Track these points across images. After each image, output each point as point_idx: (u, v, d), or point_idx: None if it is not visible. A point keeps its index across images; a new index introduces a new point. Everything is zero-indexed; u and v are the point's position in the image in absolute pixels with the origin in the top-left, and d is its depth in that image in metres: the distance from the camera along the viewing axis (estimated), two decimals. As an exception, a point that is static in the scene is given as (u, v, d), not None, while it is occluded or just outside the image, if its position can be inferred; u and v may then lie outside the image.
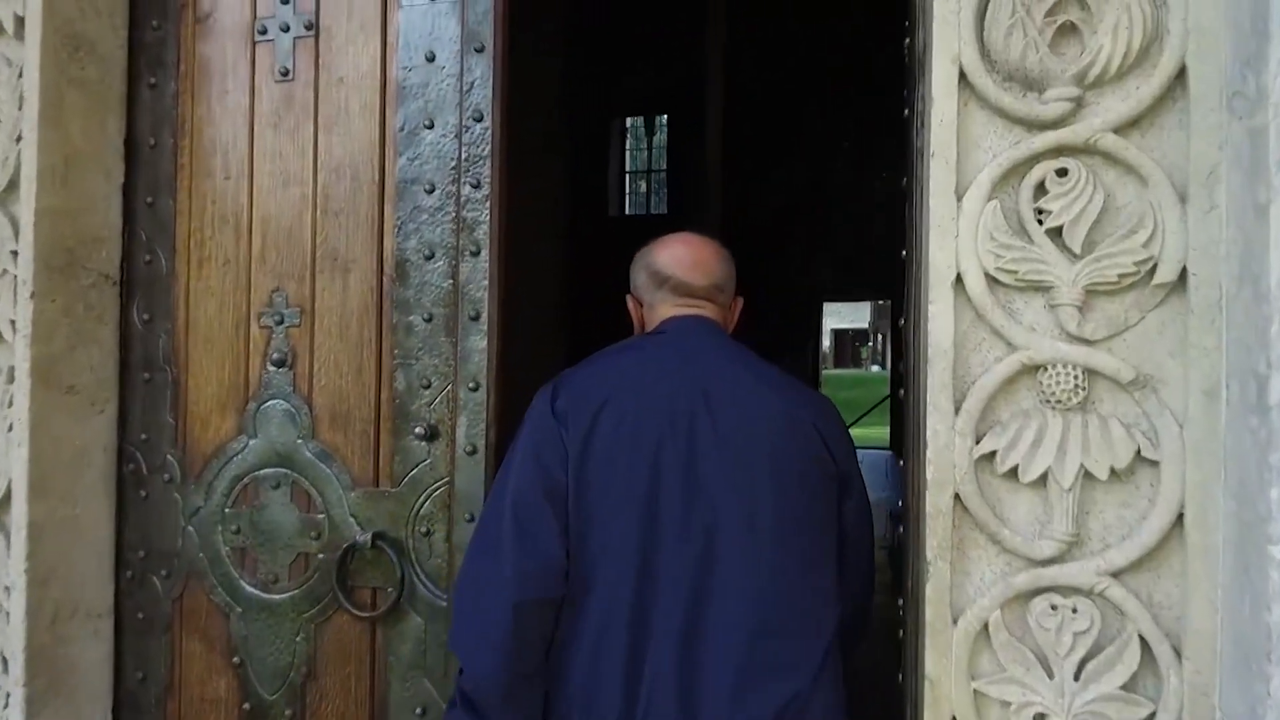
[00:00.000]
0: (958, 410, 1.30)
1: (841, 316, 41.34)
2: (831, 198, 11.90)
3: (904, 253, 1.61)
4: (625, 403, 1.36)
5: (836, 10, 12.12)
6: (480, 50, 1.74)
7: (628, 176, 14.47)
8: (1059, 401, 1.27)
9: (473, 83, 1.74)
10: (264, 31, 1.87)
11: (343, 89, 1.83)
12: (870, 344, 45.80)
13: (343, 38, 1.84)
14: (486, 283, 1.72)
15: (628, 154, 14.54)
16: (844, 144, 8.95)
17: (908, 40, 1.64)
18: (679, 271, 1.51)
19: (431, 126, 1.77)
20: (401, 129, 1.79)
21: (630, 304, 1.59)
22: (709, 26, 10.12)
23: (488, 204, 1.72)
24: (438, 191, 1.76)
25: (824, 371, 18.63)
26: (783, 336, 13.02)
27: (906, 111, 1.59)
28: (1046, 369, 1.28)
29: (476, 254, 1.73)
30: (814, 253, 12.93)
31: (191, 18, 1.92)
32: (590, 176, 13.93)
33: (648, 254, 1.57)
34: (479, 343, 1.72)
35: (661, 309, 1.51)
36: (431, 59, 1.77)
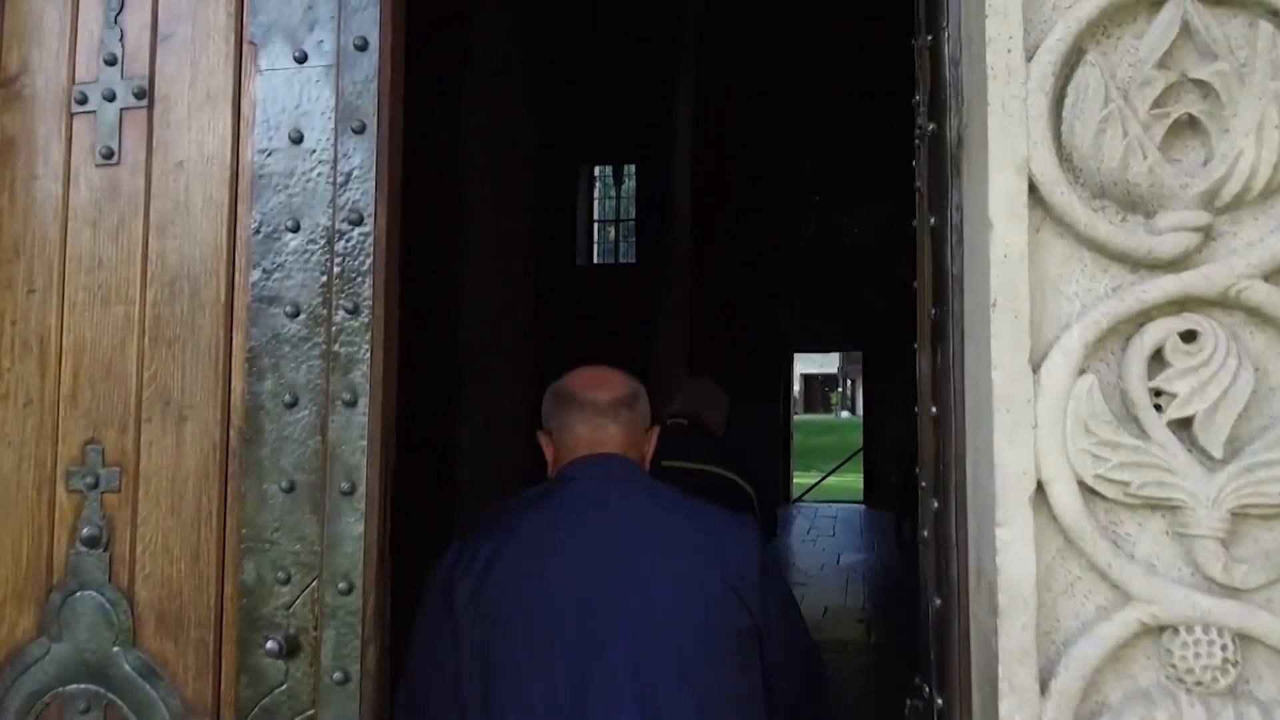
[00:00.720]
0: (1045, 689, 0.85)
1: (811, 361, 41.18)
2: (802, 249, 11.63)
3: (928, 414, 1.18)
4: (525, 572, 1.31)
5: (809, 63, 11.96)
6: (360, 130, 1.29)
7: (596, 225, 14.16)
8: (1198, 682, 0.83)
9: (350, 173, 1.30)
10: (83, 100, 1.42)
11: (182, 177, 1.38)
12: (840, 389, 45.67)
13: (184, 110, 1.39)
14: (365, 443, 1.26)
15: (596, 202, 14.24)
16: (814, 198, 8.62)
17: (919, 109, 1.23)
18: (584, 390, 1.47)
19: (296, 229, 1.32)
20: (257, 232, 1.33)
21: (542, 441, 1.52)
22: (678, 76, 9.84)
23: (368, 335, 1.27)
24: (303, 316, 1.30)
25: (795, 417, 18.25)
26: (753, 386, 12.68)
27: (935, 223, 1.16)
28: (1178, 631, 0.84)
29: (352, 403, 1.27)
30: (783, 303, 12.63)
31: (-7, 80, 1.47)
32: (557, 225, 13.61)
33: (554, 386, 1.52)
34: (353, 525, 1.25)
35: (573, 436, 1.45)
36: (298, 140, 1.33)
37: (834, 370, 43.26)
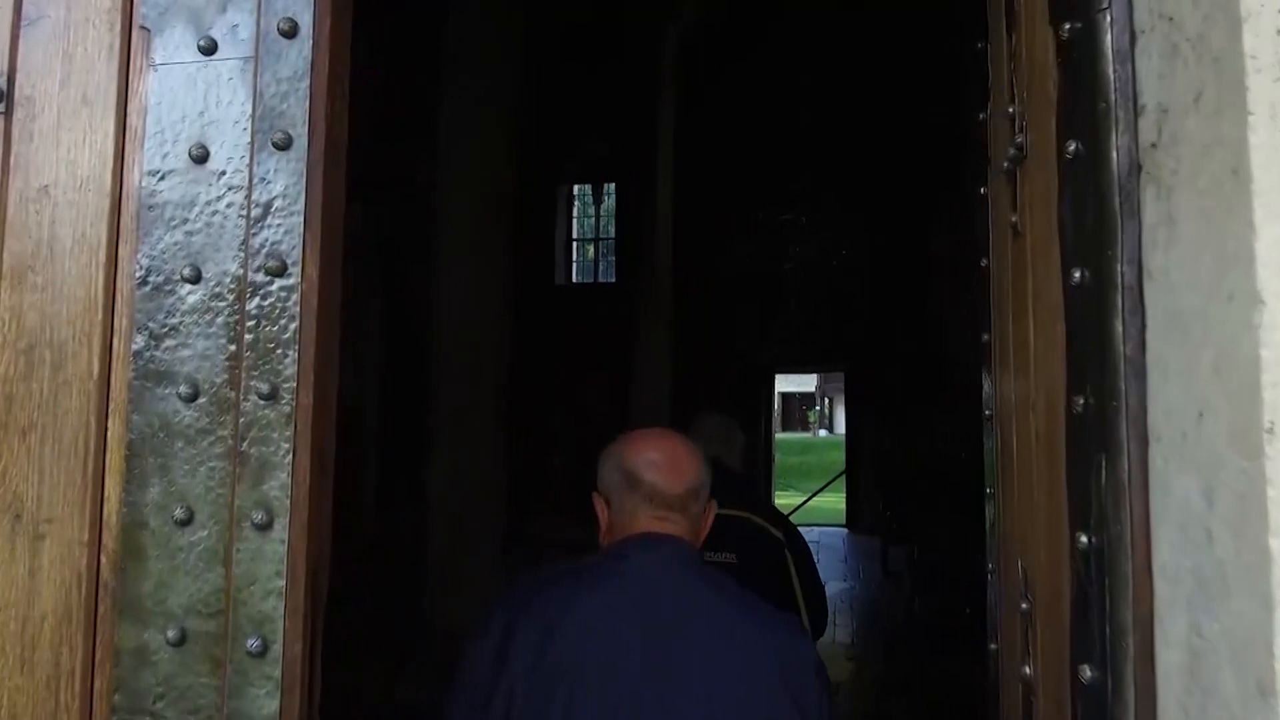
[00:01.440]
0: None
1: (789, 379, 41.08)
2: (783, 271, 11.40)
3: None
4: (583, 661, 1.27)
5: (788, 87, 11.75)
6: (284, 146, 0.95)
7: (575, 244, 13.86)
8: None
9: (269, 203, 0.95)
10: (-86, 103, 1.07)
11: (47, 206, 1.03)
12: (817, 408, 45.53)
13: (52, 117, 1.04)
14: (283, 582, 0.90)
15: (575, 221, 13.95)
16: (801, 220, 8.34)
17: (997, 121, 0.91)
18: (655, 477, 1.40)
19: (196, 280, 0.97)
20: (143, 283, 0.98)
21: (596, 504, 1.47)
22: (660, 93, 9.56)
23: (289, 429, 0.92)
24: (203, 400, 0.95)
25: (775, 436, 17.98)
26: (734, 405, 12.40)
27: (1081, 278, 0.83)
28: None
29: (267, 525, 0.91)
30: (765, 325, 12.39)
31: None
32: (536, 244, 13.29)
33: (620, 454, 1.45)
34: (264, 700, 0.89)
35: (633, 518, 1.41)
36: (201, 158, 0.98)
37: (812, 389, 43.14)
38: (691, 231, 12.31)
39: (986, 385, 1.10)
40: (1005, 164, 0.88)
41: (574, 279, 13.79)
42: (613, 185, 13.45)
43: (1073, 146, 0.85)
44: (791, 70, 12.30)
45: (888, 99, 12.14)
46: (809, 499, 14.16)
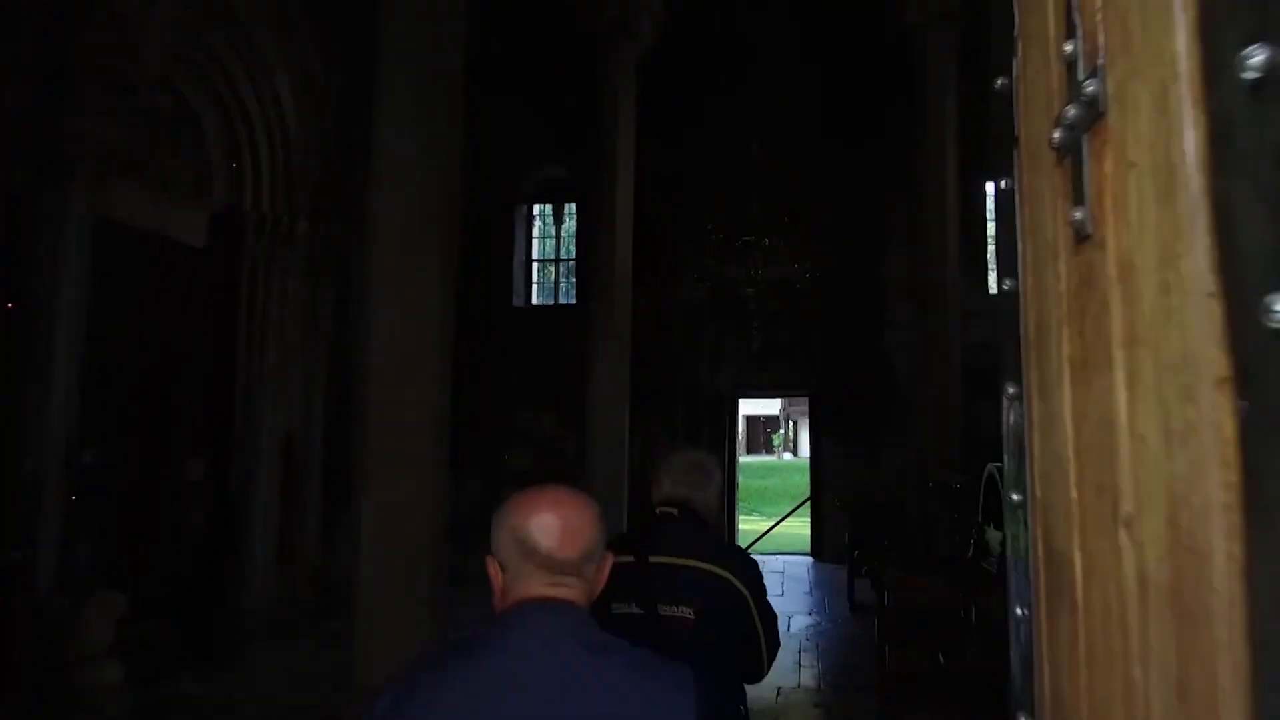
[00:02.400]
0: None
1: (753, 402, 40.98)
2: (746, 294, 11.19)
3: None
4: None
5: (746, 110, 11.61)
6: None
7: (535, 265, 13.56)
8: None
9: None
10: None
11: None
12: (781, 431, 45.49)
13: None
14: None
15: (535, 241, 13.66)
16: (764, 241, 8.12)
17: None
18: (549, 543, 1.38)
19: None
20: None
21: (490, 567, 1.43)
22: (619, 115, 9.31)
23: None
24: None
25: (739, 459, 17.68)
26: (697, 429, 12.15)
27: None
28: None
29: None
30: (728, 348, 12.18)
31: None
32: (492, 265, 12.98)
33: (513, 518, 1.41)
34: None
35: (526, 583, 1.38)
36: None
37: (776, 411, 43.13)
38: (653, 253, 12.08)
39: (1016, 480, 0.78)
40: (1056, 135, 0.59)
41: (534, 301, 13.49)
42: (573, 206, 13.21)
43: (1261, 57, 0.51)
44: (751, 92, 12.18)
45: (842, 122, 12.06)
46: (773, 527, 13.90)
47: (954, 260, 8.43)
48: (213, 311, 8.00)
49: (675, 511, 2.25)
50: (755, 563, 2.28)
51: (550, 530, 1.37)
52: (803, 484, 21.52)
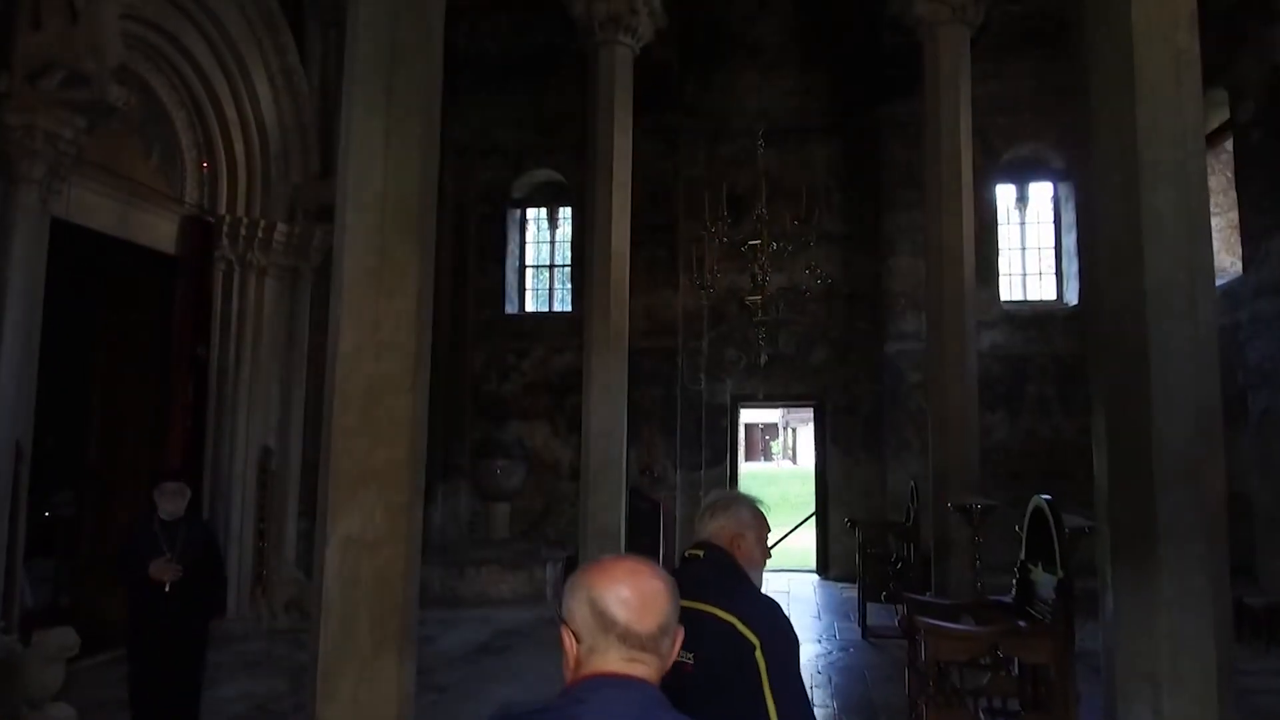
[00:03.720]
0: None
1: (753, 410, 40.46)
2: (749, 302, 10.73)
3: None
4: None
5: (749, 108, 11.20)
6: None
7: (529, 271, 13.09)
8: None
9: None
10: None
11: None
12: (780, 439, 45.02)
13: None
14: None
15: (528, 247, 13.19)
16: (773, 245, 7.66)
17: None
18: (628, 616, 1.37)
19: None
20: None
21: (565, 637, 1.41)
22: (615, 115, 8.85)
23: None
24: None
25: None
26: (697, 441, 11.67)
27: None
28: None
29: None
30: (728, 357, 11.72)
31: None
32: (485, 271, 12.52)
33: (591, 589, 1.40)
34: None
35: (603, 657, 1.38)
36: None
37: (775, 419, 42.61)
38: (651, 258, 11.64)
39: None
40: None
41: (528, 308, 13.02)
42: (568, 210, 12.75)
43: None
44: (754, 90, 11.76)
45: (848, 122, 11.63)
46: (777, 542, 13.36)
47: (970, 268, 7.97)
48: (185, 321, 7.52)
49: (701, 553, 2.18)
50: (783, 621, 2.07)
51: (629, 602, 1.36)
52: (804, 493, 21.05)
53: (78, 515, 7.57)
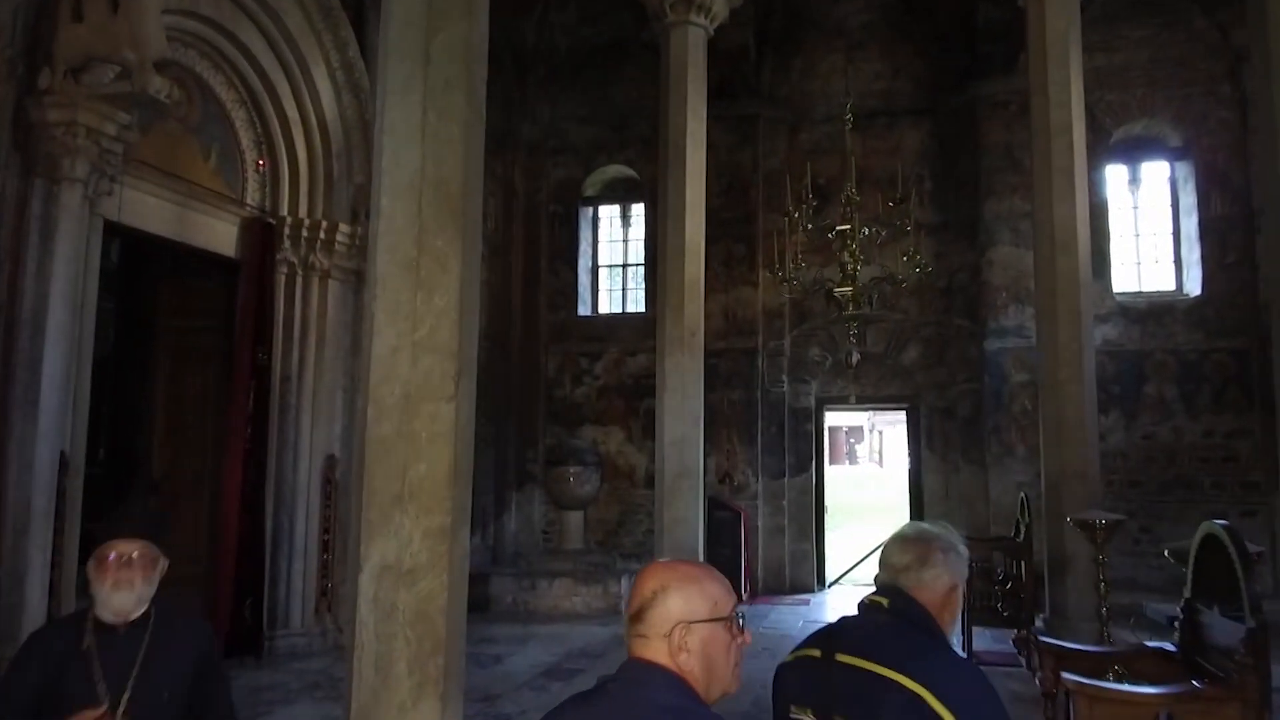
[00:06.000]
0: None
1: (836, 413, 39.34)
2: (838, 295, 10.05)
3: None
4: None
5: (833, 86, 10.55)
6: None
7: (603, 271, 12.63)
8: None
9: None
10: None
11: None
12: (865, 441, 43.72)
13: None
14: None
15: (601, 246, 12.74)
16: (863, 232, 7.00)
17: None
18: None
19: None
20: None
21: None
22: (689, 104, 8.32)
23: None
24: None
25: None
26: (780, 448, 10.99)
27: None
28: None
29: None
30: (813, 356, 11.04)
31: None
32: (555, 273, 12.13)
33: None
34: None
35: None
36: None
37: (859, 421, 41.35)
38: (729, 252, 11.08)
39: None
40: None
41: (601, 309, 12.56)
42: (641, 207, 12.26)
43: None
44: (838, 70, 11.06)
45: (941, 101, 10.82)
46: (870, 555, 12.63)
47: (1086, 254, 7.16)
48: (246, 326, 7.27)
49: (885, 602, 1.79)
50: (986, 689, 1.64)
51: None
52: (893, 498, 20.14)
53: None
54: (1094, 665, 3.04)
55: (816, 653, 1.78)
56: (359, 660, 3.22)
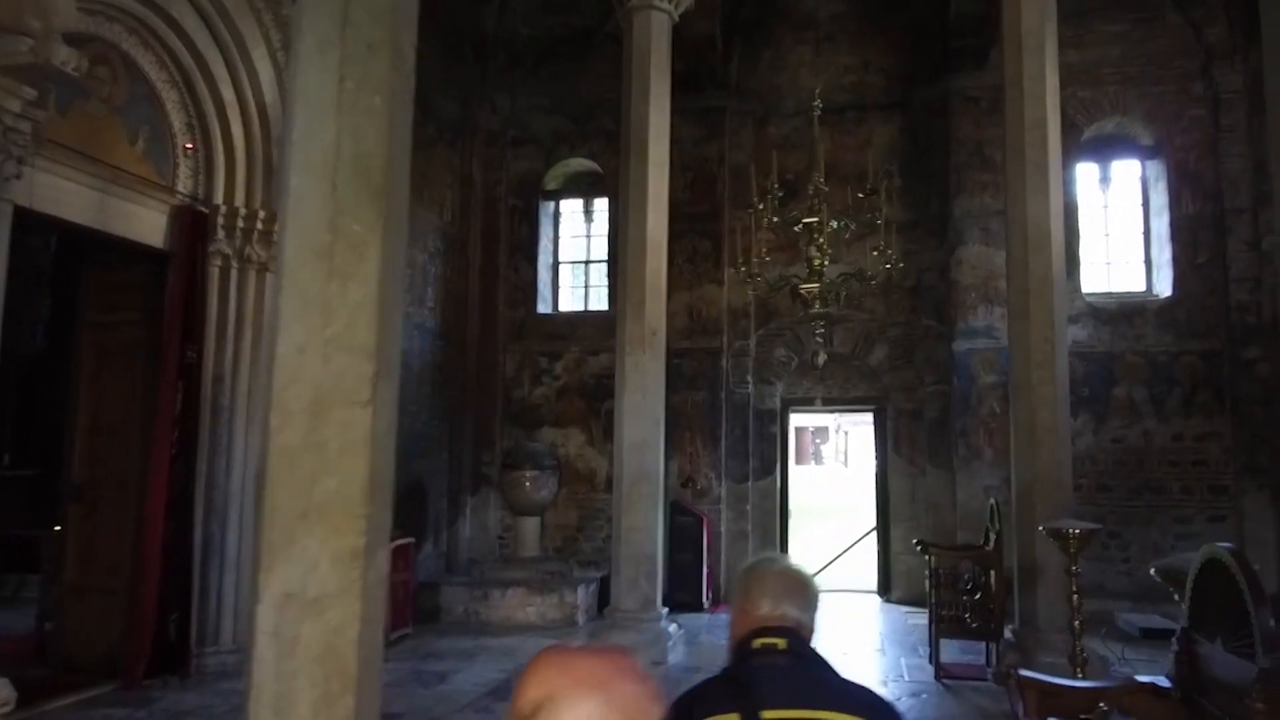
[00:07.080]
0: None
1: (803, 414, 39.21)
2: (802, 293, 9.74)
3: None
4: None
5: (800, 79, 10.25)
6: None
7: (564, 268, 12.23)
8: None
9: None
10: None
11: None
12: (831, 441, 43.70)
13: None
14: None
15: (563, 242, 12.33)
16: (829, 225, 6.69)
17: None
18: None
19: None
20: None
21: None
22: (651, 93, 7.98)
23: None
24: None
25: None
26: (744, 449, 10.69)
27: None
28: None
29: None
30: (778, 357, 10.74)
31: None
32: (514, 269, 11.71)
33: None
34: None
35: None
36: None
37: (825, 421, 41.30)
38: (694, 251, 10.76)
39: None
40: None
41: (562, 307, 12.15)
42: (604, 201, 11.88)
43: None
44: (805, 58, 10.78)
45: (907, 92, 10.57)
46: (837, 558, 12.39)
47: (1060, 251, 6.91)
48: (174, 322, 6.79)
49: (781, 643, 1.71)
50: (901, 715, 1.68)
51: None
52: (859, 498, 19.93)
53: (61, 536, 6.89)
54: (1079, 700, 2.74)
55: (735, 717, 1.59)
56: (256, 702, 2.82)
